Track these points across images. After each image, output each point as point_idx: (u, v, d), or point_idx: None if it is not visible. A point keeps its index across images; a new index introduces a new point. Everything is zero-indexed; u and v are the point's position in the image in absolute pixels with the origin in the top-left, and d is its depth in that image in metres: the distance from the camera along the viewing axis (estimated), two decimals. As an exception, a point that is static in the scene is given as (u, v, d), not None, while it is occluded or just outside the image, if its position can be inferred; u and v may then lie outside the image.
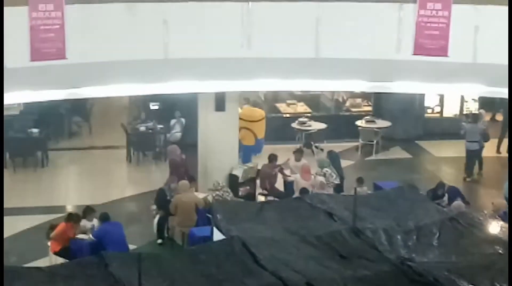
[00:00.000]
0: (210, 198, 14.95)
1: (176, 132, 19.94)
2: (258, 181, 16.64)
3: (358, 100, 22.56)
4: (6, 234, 14.74)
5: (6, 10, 12.24)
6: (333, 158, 16.85)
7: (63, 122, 21.43)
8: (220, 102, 16.36)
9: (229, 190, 15.39)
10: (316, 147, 20.41)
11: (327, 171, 16.12)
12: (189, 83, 14.35)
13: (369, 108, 22.41)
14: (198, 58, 13.82)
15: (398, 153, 20.69)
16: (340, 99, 22.93)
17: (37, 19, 12.50)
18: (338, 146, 20.47)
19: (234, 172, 16.44)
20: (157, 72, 13.85)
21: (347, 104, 22.77)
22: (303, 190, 14.79)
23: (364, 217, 10.68)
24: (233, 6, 13.79)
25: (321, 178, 15.80)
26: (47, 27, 12.59)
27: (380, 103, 21.98)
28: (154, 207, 15.07)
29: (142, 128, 19.82)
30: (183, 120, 20.12)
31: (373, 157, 20.36)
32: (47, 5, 12.50)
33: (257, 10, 13.79)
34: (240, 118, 17.40)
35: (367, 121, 21.00)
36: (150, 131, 19.87)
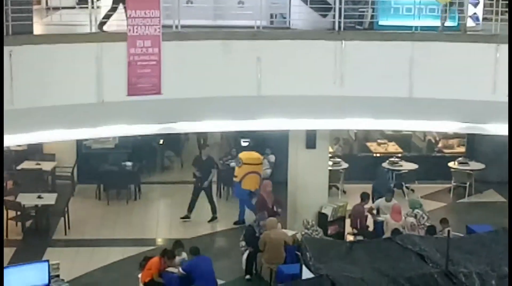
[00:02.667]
0: (299, 236, 14.88)
1: (266, 169, 19.98)
2: (347, 220, 16.48)
3: (451, 141, 22.19)
4: (99, 264, 15.09)
5: (106, 45, 12.63)
6: None
7: (155, 156, 21.82)
8: (311, 139, 16.36)
9: (318, 229, 15.31)
10: (407, 187, 20.13)
11: (418, 212, 15.87)
12: (281, 120, 14.41)
13: (462, 150, 22.02)
14: (290, 95, 13.91)
15: (492, 196, 20.20)
16: (433, 140, 22.61)
17: (134, 55, 12.81)
18: (429, 188, 20.17)
19: (324, 211, 16.36)
20: (250, 108, 13.97)
21: (440, 145, 22.43)
22: (394, 231, 14.57)
23: (457, 260, 10.42)
24: (327, 44, 13.86)
25: (412, 219, 15.56)
26: (144, 63, 12.90)
27: (474, 144, 21.57)
28: (243, 243, 15.09)
29: (233, 164, 19.95)
30: (273, 156, 20.18)
31: (466, 199, 19.93)
32: (145, 41, 12.82)
33: (351, 49, 13.81)
34: (245, 163, 17.65)
35: (460, 163, 20.61)
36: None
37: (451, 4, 13.60)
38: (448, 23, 13.94)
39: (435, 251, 10.84)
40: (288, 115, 14.31)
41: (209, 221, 17.77)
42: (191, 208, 17.83)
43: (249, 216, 17.22)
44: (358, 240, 14.36)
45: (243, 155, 18.16)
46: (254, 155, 18.36)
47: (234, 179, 17.94)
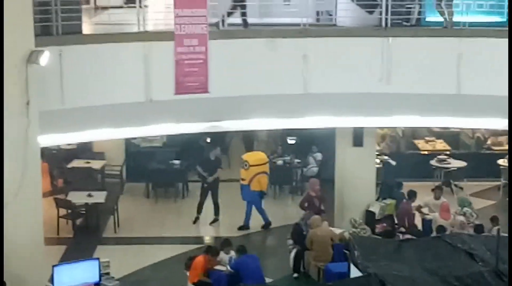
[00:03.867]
0: (346, 234, 14.84)
1: (313, 167, 19.97)
2: (395, 218, 16.38)
3: (501, 138, 21.89)
4: (148, 262, 15.21)
5: (154, 44, 12.75)
6: None
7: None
8: (358, 137, 16.30)
9: (366, 227, 15.25)
10: (456, 185, 19.93)
11: (467, 210, 15.71)
12: (328, 118, 14.39)
13: (512, 147, 21.71)
14: (337, 93, 13.89)
15: (542, 193, 19.88)
16: (481, 137, 22.34)
17: (182, 53, 12.93)
18: (478, 185, 19.95)
19: (371, 209, 16.28)
20: (296, 106, 13.99)
21: (489, 142, 22.14)
22: (439, 228, 14.46)
23: (507, 259, 10.30)
24: (373, 41, 13.82)
25: (461, 218, 15.42)
26: (192, 62, 13.00)
27: (524, 141, 21.26)
28: (291, 241, 15.10)
29: (280, 162, 19.98)
30: (320, 154, 20.15)
31: (515, 197, 19.65)
32: (192, 40, 12.93)
33: (397, 46, 13.74)
34: (252, 165, 17.16)
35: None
36: (288, 165, 19.99)
37: None
38: (495, 18, 13.80)
39: (485, 249, 10.74)
40: (335, 113, 14.29)
41: (210, 223, 17.50)
42: (199, 209, 17.61)
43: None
44: (406, 239, 14.27)
45: (248, 157, 17.68)
46: (260, 155, 17.94)
47: (242, 182, 17.29)
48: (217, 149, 18.66)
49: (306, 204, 16.23)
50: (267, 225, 17.41)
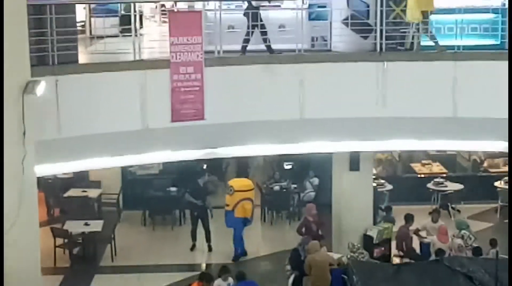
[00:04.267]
0: (344, 259, 14.80)
1: (310, 192, 19.96)
2: (393, 242, 16.35)
3: (497, 160, 21.92)
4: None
5: (150, 73, 12.78)
6: None
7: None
8: (354, 161, 16.32)
9: (364, 251, 15.22)
10: (453, 208, 19.92)
11: (465, 233, 15.68)
12: (324, 143, 14.41)
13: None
14: (333, 118, 13.91)
15: (540, 215, 19.86)
16: (478, 159, 22.38)
17: (177, 81, 12.97)
18: (475, 208, 19.94)
19: (369, 233, 16.25)
20: (293, 131, 14.01)
21: (485, 164, 22.17)
22: (438, 251, 14.42)
23: (506, 282, 10.28)
24: (369, 66, 13.87)
25: (459, 241, 15.38)
26: (188, 89, 13.04)
27: (520, 163, 21.28)
28: (289, 267, 15.05)
29: (276, 188, 19.96)
30: (316, 179, 20.15)
31: (513, 219, 19.63)
32: (188, 68, 12.96)
33: (393, 70, 13.79)
34: (237, 190, 16.97)
35: (506, 182, 20.33)
36: (284, 190, 19.98)
37: (425, 23, 13.57)
38: (490, 41, 13.86)
39: (484, 272, 10.73)
40: (331, 138, 14.32)
41: (191, 249, 17.44)
42: (194, 236, 17.56)
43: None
44: (405, 263, 14.26)
45: (234, 182, 17.55)
46: (246, 182, 17.74)
47: (226, 208, 17.17)
48: (205, 176, 18.54)
49: (303, 229, 16.20)
50: (236, 257, 16.93)
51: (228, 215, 17.12)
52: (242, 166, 22.40)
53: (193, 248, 17.46)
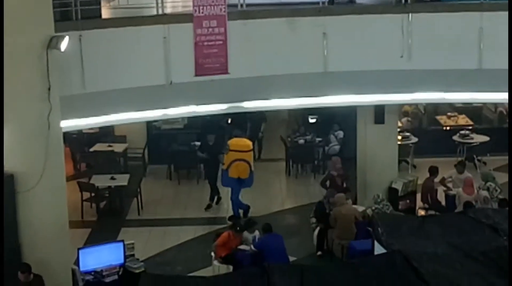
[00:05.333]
0: (369, 212, 14.83)
1: (335, 145, 19.95)
2: (418, 195, 16.35)
3: (524, 112, 21.73)
4: (171, 244, 15.30)
5: (173, 27, 12.75)
6: None
7: (224, 136, 21.92)
8: (379, 114, 16.22)
9: (389, 204, 15.23)
10: (479, 160, 19.83)
11: (491, 185, 15.62)
12: (348, 96, 14.35)
13: (535, 120, 21.54)
14: (357, 70, 13.84)
15: None
16: (504, 111, 22.19)
17: (201, 35, 12.95)
18: (501, 160, 19.80)
19: (394, 186, 16.23)
20: (317, 85, 13.97)
21: (512, 116, 21.99)
22: (467, 204, 14.40)
23: (532, 232, 10.26)
24: (393, 18, 13.74)
25: (485, 193, 15.33)
26: (211, 43, 13.02)
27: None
28: (314, 220, 15.12)
29: (301, 141, 19.98)
30: (341, 132, 20.12)
31: (539, 170, 19.52)
32: (211, 21, 12.93)
33: (418, 21, 13.66)
34: (232, 150, 16.51)
35: (533, 134, 20.18)
36: (309, 144, 19.99)
37: None
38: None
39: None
40: (355, 91, 14.25)
41: (205, 209, 17.26)
42: (212, 195, 17.48)
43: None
44: (430, 215, 14.25)
45: (232, 141, 16.97)
46: (243, 142, 17.09)
47: (222, 166, 16.72)
48: (211, 136, 18.13)
49: (328, 183, 16.23)
50: (231, 217, 15.77)
51: (223, 174, 16.80)
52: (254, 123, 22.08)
53: (218, 201, 17.54)
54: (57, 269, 11.04)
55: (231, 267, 13.33)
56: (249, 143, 17.21)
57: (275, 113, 21.87)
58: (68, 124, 11.86)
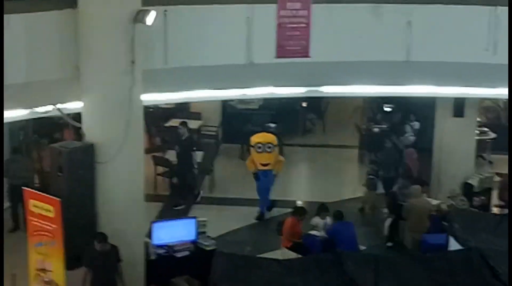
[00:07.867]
0: (444, 206, 14.60)
1: (410, 136, 19.69)
2: (494, 192, 16.03)
3: None
4: (242, 223, 15.34)
5: (257, 7, 12.71)
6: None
7: (298, 119, 21.88)
8: (459, 107, 15.96)
9: (465, 199, 14.96)
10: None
11: None
12: (428, 87, 14.14)
13: None
14: (440, 61, 13.60)
15: None
16: None
17: (284, 17, 12.87)
18: None
19: (470, 181, 15.96)
20: (397, 73, 13.78)
21: None
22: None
23: None
24: (480, 10, 13.44)
25: None
26: (294, 25, 12.93)
27: None
28: (386, 210, 14.98)
29: (376, 130, 19.78)
30: (417, 123, 19.84)
31: None
32: (295, 3, 12.83)
33: (506, 15, 13.32)
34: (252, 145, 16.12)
35: None
36: (384, 133, 19.76)
37: None
38: None
39: None
40: (436, 82, 14.03)
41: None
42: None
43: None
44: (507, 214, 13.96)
45: (255, 136, 16.49)
46: (265, 137, 16.52)
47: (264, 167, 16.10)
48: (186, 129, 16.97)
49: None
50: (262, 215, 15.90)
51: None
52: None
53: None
54: (131, 241, 11.18)
55: (299, 251, 13.31)
56: (273, 138, 16.62)
57: (350, 100, 21.69)
58: (148, 97, 11.95)
